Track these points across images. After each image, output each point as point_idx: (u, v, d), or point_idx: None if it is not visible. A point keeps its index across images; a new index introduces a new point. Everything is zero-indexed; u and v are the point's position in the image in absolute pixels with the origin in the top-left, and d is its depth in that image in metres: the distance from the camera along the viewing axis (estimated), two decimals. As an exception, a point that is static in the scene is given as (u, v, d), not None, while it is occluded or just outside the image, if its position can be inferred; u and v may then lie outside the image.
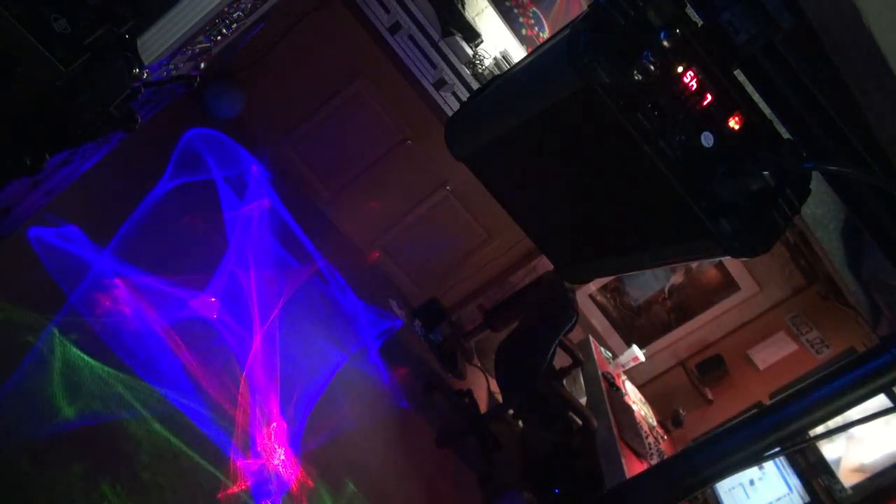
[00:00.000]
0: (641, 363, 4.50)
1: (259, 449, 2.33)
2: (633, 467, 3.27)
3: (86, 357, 1.95)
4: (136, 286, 2.29)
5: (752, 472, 3.56)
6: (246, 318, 2.80)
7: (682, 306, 4.88)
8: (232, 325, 2.67)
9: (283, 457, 2.42)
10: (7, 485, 1.55)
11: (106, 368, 1.99)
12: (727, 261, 4.80)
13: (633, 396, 4.22)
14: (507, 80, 0.87)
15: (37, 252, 1.99)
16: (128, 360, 2.05)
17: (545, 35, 4.20)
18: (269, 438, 2.41)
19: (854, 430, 3.16)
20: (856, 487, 3.20)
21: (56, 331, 1.91)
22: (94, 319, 2.04)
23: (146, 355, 2.13)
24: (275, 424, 2.49)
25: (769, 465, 3.53)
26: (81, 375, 1.91)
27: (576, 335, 4.43)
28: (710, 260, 4.54)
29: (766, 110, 0.80)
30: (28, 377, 1.77)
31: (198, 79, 1.69)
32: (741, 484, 3.57)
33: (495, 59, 3.88)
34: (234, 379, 2.45)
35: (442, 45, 3.72)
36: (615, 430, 3.43)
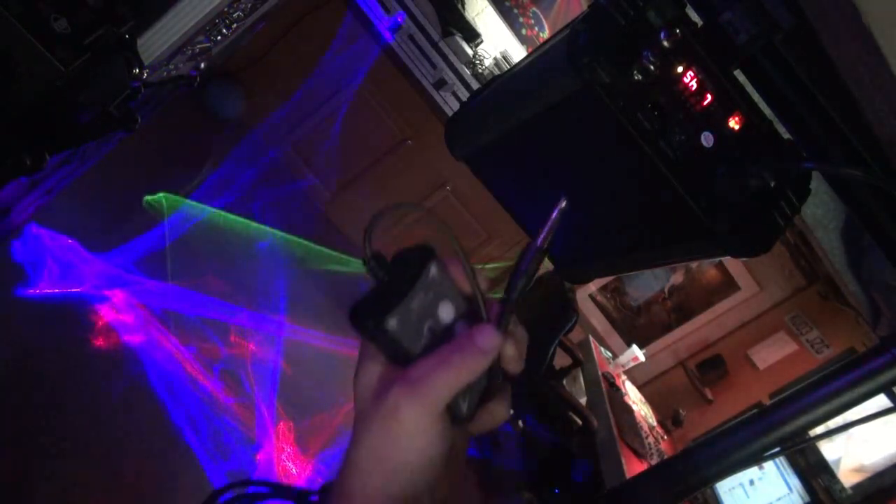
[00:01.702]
0: (641, 363, 4.50)
1: (268, 449, 2.33)
2: (633, 467, 3.26)
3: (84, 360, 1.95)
4: (134, 290, 2.29)
5: (752, 472, 3.56)
6: (248, 319, 2.79)
7: (682, 306, 4.88)
8: (234, 327, 2.67)
9: (291, 457, 2.42)
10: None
11: (106, 372, 1.98)
12: (727, 261, 4.80)
13: (633, 396, 4.22)
14: (507, 80, 0.86)
15: (34, 254, 1.98)
16: (127, 364, 2.05)
17: (545, 35, 4.20)
18: (277, 438, 2.41)
19: (854, 430, 3.15)
20: (856, 487, 3.19)
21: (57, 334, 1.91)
22: (92, 324, 2.04)
23: (148, 359, 2.13)
24: (281, 424, 2.49)
25: (769, 465, 3.52)
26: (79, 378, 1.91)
27: (576, 335, 4.42)
28: (710, 260, 4.54)
29: (766, 110, 0.79)
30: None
31: (198, 79, 1.69)
32: (741, 484, 3.57)
33: (495, 59, 3.88)
34: (238, 381, 2.45)
35: (442, 45, 3.72)
36: (615, 430, 3.42)
